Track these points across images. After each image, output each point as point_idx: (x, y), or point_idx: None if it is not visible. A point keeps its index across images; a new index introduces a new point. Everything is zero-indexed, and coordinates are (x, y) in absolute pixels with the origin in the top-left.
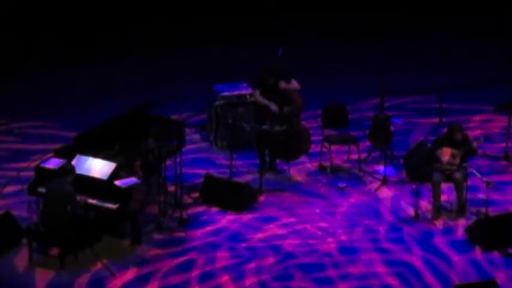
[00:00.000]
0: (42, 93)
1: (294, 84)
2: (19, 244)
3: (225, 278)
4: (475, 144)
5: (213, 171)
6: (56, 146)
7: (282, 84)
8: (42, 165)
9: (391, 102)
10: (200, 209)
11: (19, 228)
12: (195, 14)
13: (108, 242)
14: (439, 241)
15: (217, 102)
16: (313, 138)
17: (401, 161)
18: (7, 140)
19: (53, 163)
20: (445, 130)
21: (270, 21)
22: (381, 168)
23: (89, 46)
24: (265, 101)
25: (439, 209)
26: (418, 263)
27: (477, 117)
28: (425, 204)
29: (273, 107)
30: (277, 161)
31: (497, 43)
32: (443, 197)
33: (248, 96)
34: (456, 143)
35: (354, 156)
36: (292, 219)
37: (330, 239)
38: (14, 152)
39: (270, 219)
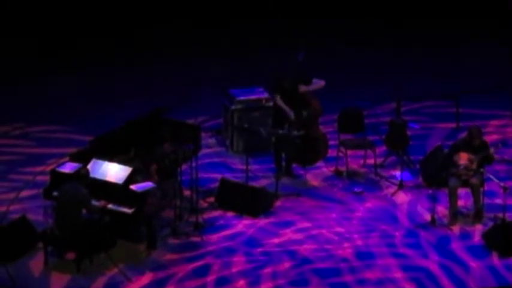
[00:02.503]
0: (57, 97)
1: (317, 83)
2: (35, 248)
3: (241, 282)
4: (492, 149)
5: (228, 176)
6: (72, 150)
7: (302, 88)
8: (58, 169)
9: (408, 107)
10: (216, 213)
11: (35, 232)
12: (212, 17)
13: (124, 246)
14: (456, 246)
15: (233, 107)
16: (329, 142)
17: (418, 166)
18: (23, 144)
19: (69, 167)
20: (464, 134)
21: (287, 24)
22: (397, 173)
23: (105, 49)
24: (284, 107)
25: (455, 215)
26: (434, 268)
27: (494, 122)
28: (442, 209)
29: (291, 114)
30: (293, 165)
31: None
32: (460, 203)
33: (264, 101)
34: (474, 148)
35: (370, 161)
36: (308, 224)
37: (346, 244)
38: (29, 156)
39: (286, 224)
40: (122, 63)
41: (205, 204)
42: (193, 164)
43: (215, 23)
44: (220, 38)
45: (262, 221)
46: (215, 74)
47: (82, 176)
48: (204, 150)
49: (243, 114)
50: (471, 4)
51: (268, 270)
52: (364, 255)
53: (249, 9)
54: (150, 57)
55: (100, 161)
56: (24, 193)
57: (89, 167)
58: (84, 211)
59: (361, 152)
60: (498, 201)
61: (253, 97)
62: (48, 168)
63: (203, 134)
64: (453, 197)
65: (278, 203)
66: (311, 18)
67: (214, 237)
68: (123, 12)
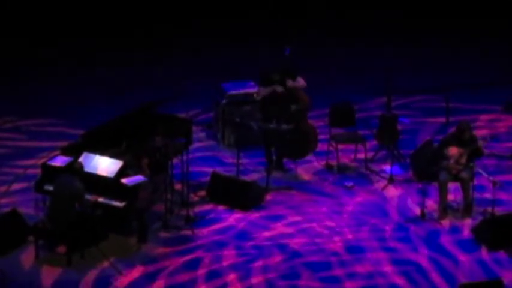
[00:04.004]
0: (49, 91)
1: (301, 82)
2: (26, 242)
3: (232, 276)
4: (481, 143)
5: (220, 170)
6: (63, 143)
7: (289, 83)
8: (49, 162)
9: (399, 101)
10: (207, 207)
11: (26, 226)
12: (205, 13)
13: (115, 240)
14: (446, 240)
15: (224, 101)
16: (320, 136)
17: (408, 160)
18: (14, 138)
19: (60, 161)
20: (453, 129)
21: (277, 19)
22: (387, 167)
23: (97, 44)
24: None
25: (445, 209)
26: (424, 262)
27: (484, 117)
28: (431, 204)
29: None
30: (284, 159)
31: (505, 42)
32: (450, 197)
33: (255, 95)
34: (464, 142)
35: (361, 155)
36: (299, 218)
37: (336, 238)
38: (20, 150)
39: (276, 218)
40: (114, 57)
41: (197, 198)
42: (185, 158)
43: (211, 20)
44: (213, 33)
45: (253, 215)
46: (208, 68)
47: (77, 170)
48: (196, 144)
49: (234, 108)
50: (465, 3)
51: (259, 263)
52: (355, 249)
53: (245, 6)
54: (142, 52)
55: (91, 155)
56: (15, 186)
57: (80, 160)
58: (76, 204)
59: (352, 146)
60: (488, 195)
61: (244, 91)
62: (40, 162)
63: (195, 128)
64: (443, 191)
65: (269, 197)
66: (303, 15)
67: (205, 230)
68: (117, 8)
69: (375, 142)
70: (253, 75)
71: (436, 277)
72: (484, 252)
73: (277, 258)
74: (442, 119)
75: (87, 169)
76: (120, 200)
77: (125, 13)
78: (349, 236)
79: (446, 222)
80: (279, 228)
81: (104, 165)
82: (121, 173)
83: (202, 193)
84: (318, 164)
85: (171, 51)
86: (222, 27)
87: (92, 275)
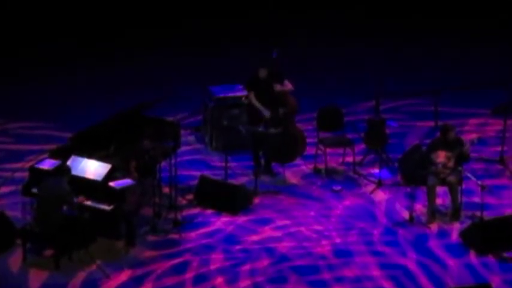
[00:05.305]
0: (37, 94)
1: (288, 85)
2: (13, 245)
3: (219, 280)
4: (467, 146)
5: (208, 173)
6: (51, 146)
7: (277, 87)
8: (37, 166)
9: (387, 105)
10: (195, 210)
11: (13, 229)
12: (192, 14)
13: (103, 243)
14: (434, 244)
15: (212, 104)
16: (308, 140)
17: (396, 164)
18: (2, 141)
19: (48, 164)
20: (439, 134)
21: (265, 21)
22: (376, 171)
23: (85, 47)
24: (259, 105)
25: (433, 213)
26: (412, 266)
27: (472, 121)
28: (420, 208)
29: (266, 112)
30: (273, 163)
31: (493, 45)
32: (438, 201)
33: (244, 98)
34: (450, 145)
35: (349, 159)
36: (287, 222)
37: (324, 242)
38: (8, 153)
39: (264, 222)
40: (103, 61)
41: (184, 202)
42: (173, 161)
43: (203, 19)
44: (200, 35)
45: (241, 219)
46: (197, 71)
47: (65, 172)
48: (184, 148)
49: (222, 112)
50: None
51: (246, 267)
52: (343, 253)
53: (237, 5)
54: (133, 55)
55: (79, 158)
56: (3, 189)
57: (68, 163)
58: (64, 207)
59: (340, 150)
60: (476, 199)
61: (232, 94)
62: (27, 165)
63: (183, 131)
64: (431, 195)
65: (257, 201)
66: (294, 14)
67: (193, 234)
68: (105, 10)
69: (363, 146)
70: (241, 78)
71: (424, 281)
72: (472, 257)
73: (265, 262)
74: (431, 123)
75: (75, 172)
76: (108, 203)
77: (114, 14)
78: (337, 240)
79: (434, 226)
80: (267, 231)
81: (92, 168)
82: (109, 176)
83: (190, 196)
84: (306, 168)
85: (160, 54)
86: (210, 28)
87: (79, 278)
